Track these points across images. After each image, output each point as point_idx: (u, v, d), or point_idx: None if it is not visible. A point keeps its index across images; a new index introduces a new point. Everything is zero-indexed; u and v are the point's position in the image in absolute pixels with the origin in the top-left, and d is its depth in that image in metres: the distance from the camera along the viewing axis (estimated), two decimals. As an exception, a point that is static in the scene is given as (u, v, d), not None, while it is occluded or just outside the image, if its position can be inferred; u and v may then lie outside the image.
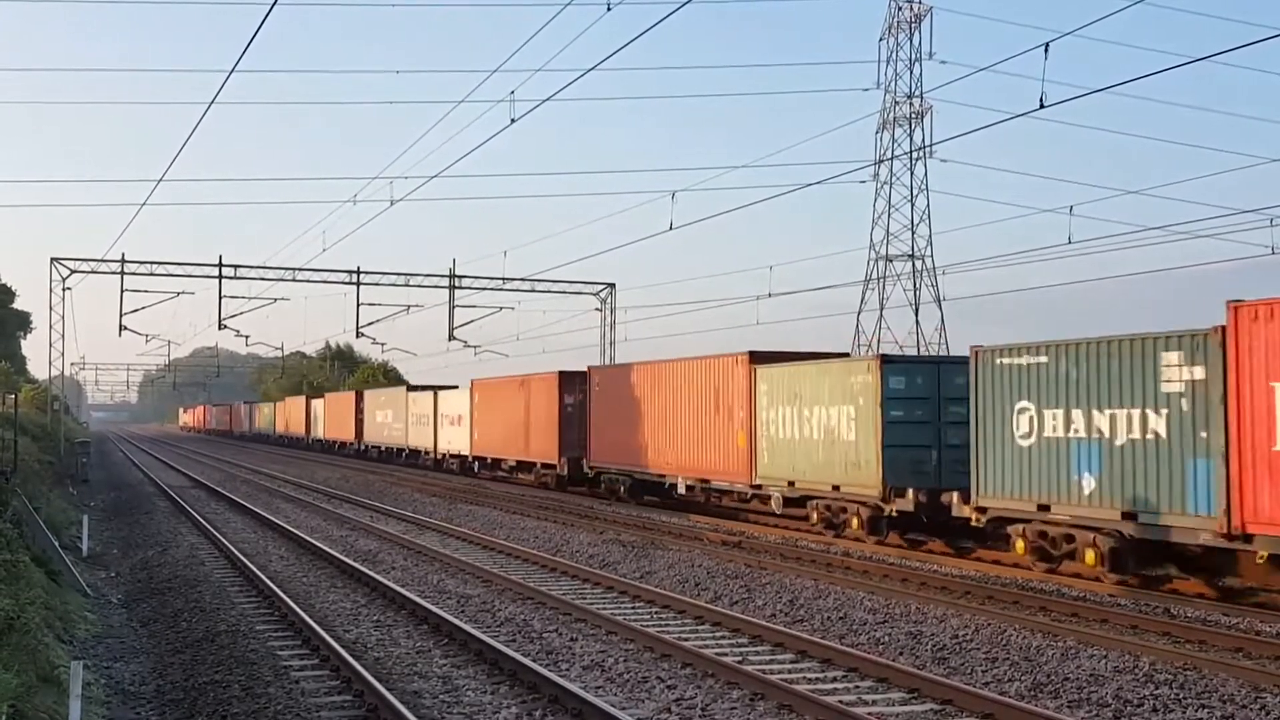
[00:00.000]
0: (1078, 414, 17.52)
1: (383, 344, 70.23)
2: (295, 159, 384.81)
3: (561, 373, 37.48)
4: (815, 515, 24.06)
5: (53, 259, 51.37)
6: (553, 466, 37.33)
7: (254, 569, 18.29)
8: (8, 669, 9.30)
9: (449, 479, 45.12)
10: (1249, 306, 15.06)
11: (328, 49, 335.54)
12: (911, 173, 58.63)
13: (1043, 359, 18.20)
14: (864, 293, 59.69)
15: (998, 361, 19.02)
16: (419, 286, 55.41)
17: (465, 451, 46.29)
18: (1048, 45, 16.42)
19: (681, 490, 29.62)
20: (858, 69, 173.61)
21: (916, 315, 58.61)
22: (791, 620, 14.65)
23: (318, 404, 76.74)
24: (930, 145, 56.65)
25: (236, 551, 20.70)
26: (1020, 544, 18.46)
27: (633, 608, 15.54)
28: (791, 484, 24.70)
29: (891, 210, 58.56)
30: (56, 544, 19.60)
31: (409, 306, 55.91)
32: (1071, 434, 17.60)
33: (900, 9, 57.67)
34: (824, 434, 23.59)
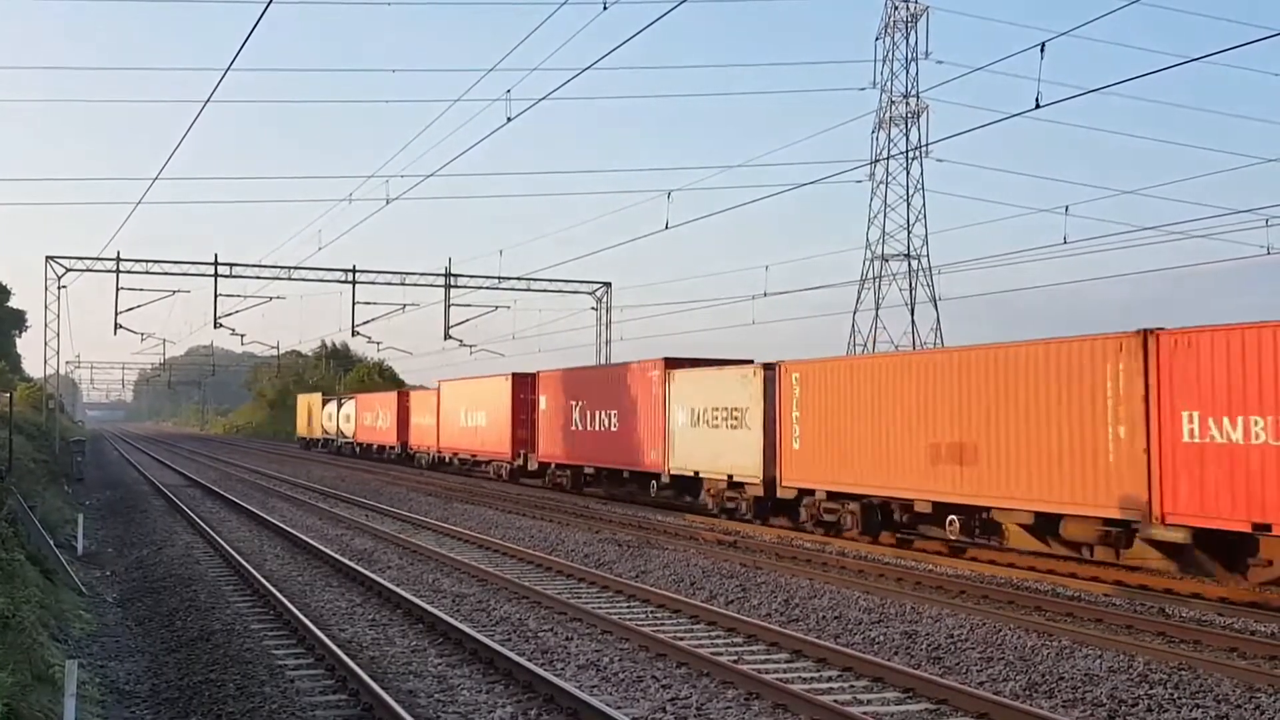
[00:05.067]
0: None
1: (378, 343, 70.55)
2: (291, 158, 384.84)
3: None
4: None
5: (48, 257, 51.36)
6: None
7: (249, 568, 18.27)
8: (2, 667, 9.29)
9: (446, 478, 45.15)
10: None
11: (323, 48, 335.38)
12: (907, 172, 58.64)
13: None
14: (860, 292, 59.74)
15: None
16: (415, 285, 55.49)
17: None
18: (1043, 45, 16.46)
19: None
20: (854, 68, 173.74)
21: (912, 315, 58.63)
22: (787, 620, 14.66)
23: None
24: (926, 145, 56.64)
25: (232, 550, 20.68)
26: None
27: (628, 607, 15.54)
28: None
29: (887, 210, 58.56)
30: (52, 542, 19.58)
31: (405, 305, 56.06)
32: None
33: (896, 8, 57.66)
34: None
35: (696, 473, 28.25)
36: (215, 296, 51.21)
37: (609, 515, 28.81)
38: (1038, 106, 16.78)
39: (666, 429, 29.55)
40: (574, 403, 35.73)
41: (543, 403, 38.51)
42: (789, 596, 16.25)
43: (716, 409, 27.16)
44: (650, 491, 30.86)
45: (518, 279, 54.95)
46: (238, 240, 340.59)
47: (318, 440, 76.47)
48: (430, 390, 52.36)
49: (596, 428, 34.13)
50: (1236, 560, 16.43)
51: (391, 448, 58.00)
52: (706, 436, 27.61)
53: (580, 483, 36.37)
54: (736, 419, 26.23)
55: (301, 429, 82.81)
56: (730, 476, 26.60)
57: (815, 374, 24.10)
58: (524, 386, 40.65)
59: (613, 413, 32.91)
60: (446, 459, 49.57)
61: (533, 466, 39.55)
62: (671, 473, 29.42)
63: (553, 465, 37.82)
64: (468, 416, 45.95)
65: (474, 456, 45.84)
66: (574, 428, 35.68)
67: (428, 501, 33.76)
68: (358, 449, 65.79)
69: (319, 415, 76.18)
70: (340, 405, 70.82)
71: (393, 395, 59.22)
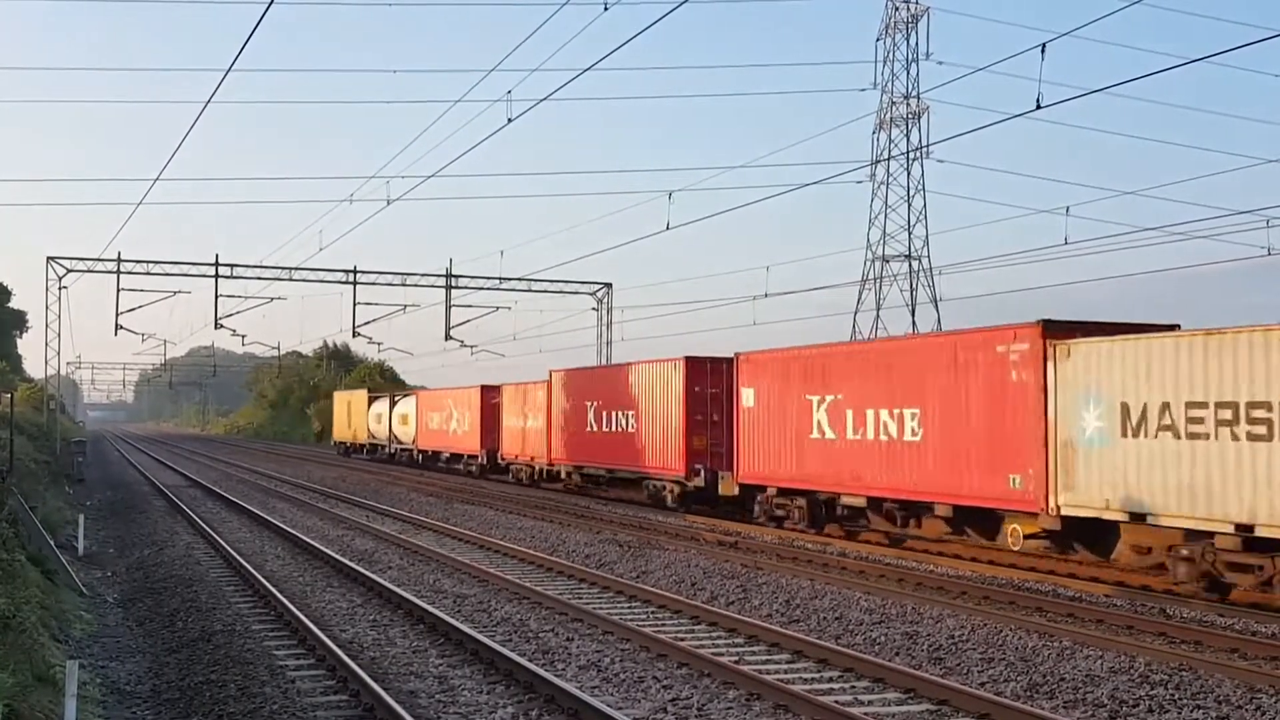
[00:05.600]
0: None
1: (379, 344, 70.64)
2: (292, 158, 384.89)
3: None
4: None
5: (49, 258, 51.47)
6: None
7: (250, 568, 18.27)
8: (3, 668, 9.30)
9: (445, 478, 45.13)
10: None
11: (324, 48, 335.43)
12: (908, 173, 58.58)
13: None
14: (860, 293, 59.64)
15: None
16: (416, 286, 55.67)
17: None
18: (1044, 46, 16.48)
19: None
20: (854, 69, 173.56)
21: (913, 316, 58.54)
22: (788, 620, 14.65)
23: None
24: (927, 145, 56.54)
25: (232, 551, 20.69)
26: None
27: (629, 607, 15.54)
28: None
29: (888, 210, 58.48)
30: (52, 543, 19.58)
31: (406, 306, 56.21)
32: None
33: (897, 9, 57.62)
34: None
35: (1135, 515, 17.06)
36: (216, 297, 51.45)
37: (610, 516, 28.82)
38: (1039, 107, 16.80)
39: (1051, 439, 18.53)
40: (814, 397, 24.72)
41: (748, 397, 27.32)
42: (790, 597, 16.25)
43: (1198, 404, 16.26)
44: (1009, 539, 19.52)
45: (519, 279, 55.10)
46: (238, 241, 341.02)
47: (361, 446, 65.12)
48: (534, 384, 41.18)
49: (871, 435, 22.67)
50: None
51: (472, 458, 47.52)
52: (1165, 453, 16.72)
53: (821, 518, 24.50)
54: (1264, 423, 15.35)
55: (340, 432, 70.55)
56: (1247, 528, 15.49)
57: None
58: (701, 376, 30.23)
59: (911, 412, 21.70)
60: (563, 474, 38.53)
61: (729, 490, 27.82)
62: (1065, 511, 18.23)
63: (770, 489, 26.19)
64: (602, 419, 35.38)
65: (611, 471, 35.23)
66: (816, 434, 24.44)
67: (428, 502, 33.77)
68: (419, 457, 54.94)
69: (363, 416, 64.32)
70: (394, 404, 59.04)
71: (474, 391, 47.38)
